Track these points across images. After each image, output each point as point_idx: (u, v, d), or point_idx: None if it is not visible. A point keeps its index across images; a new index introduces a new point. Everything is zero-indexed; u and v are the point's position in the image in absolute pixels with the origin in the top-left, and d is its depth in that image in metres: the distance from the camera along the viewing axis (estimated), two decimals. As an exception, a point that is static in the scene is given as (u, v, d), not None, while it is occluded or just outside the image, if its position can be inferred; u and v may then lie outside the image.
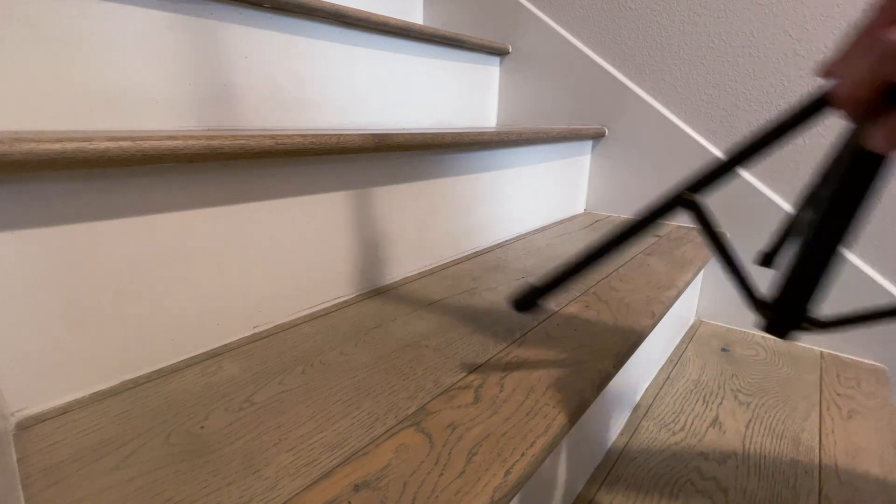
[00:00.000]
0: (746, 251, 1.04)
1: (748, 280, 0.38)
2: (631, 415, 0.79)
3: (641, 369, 0.82)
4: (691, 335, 1.06)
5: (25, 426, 0.37)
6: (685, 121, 1.05)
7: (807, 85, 0.91)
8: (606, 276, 0.73)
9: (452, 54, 1.12)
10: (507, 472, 0.33)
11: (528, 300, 0.42)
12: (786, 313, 0.37)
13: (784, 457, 0.69)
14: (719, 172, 0.36)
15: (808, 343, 1.01)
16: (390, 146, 0.59)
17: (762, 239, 1.01)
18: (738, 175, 0.86)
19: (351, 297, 0.64)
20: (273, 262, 0.53)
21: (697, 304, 1.13)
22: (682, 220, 1.12)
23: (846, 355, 0.97)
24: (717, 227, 0.37)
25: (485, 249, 0.86)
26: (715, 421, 0.77)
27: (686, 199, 0.37)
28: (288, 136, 0.48)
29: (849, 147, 0.33)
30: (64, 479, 0.32)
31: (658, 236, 1.00)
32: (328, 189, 0.56)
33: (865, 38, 0.23)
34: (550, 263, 0.79)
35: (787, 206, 0.97)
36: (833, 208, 0.36)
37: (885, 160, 0.31)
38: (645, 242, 0.95)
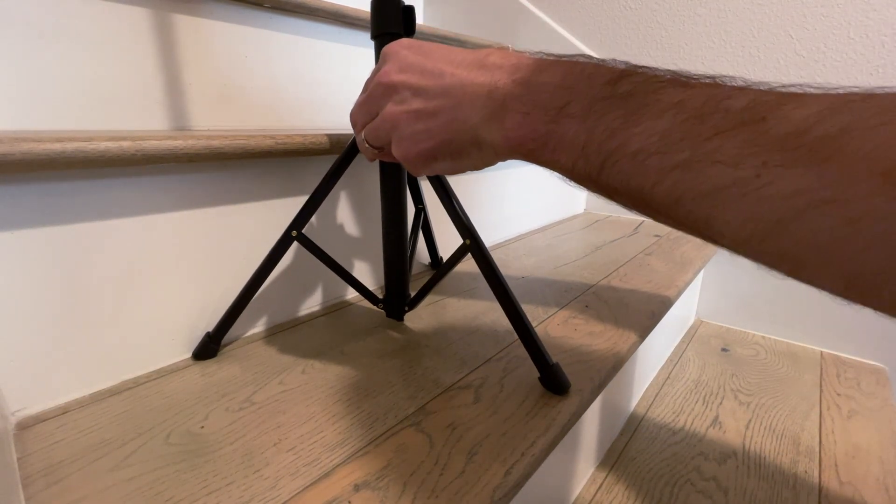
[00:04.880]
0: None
1: (367, 289, 0.53)
2: (631, 415, 0.79)
3: (641, 369, 0.82)
4: (691, 335, 1.06)
5: (25, 426, 0.37)
6: (685, 121, 1.05)
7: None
8: (606, 276, 0.73)
9: (452, 54, 1.12)
10: (507, 472, 0.33)
11: (207, 347, 0.48)
12: (394, 303, 0.54)
13: (784, 457, 0.69)
14: (310, 209, 0.47)
15: (808, 343, 1.01)
16: (390, 146, 0.58)
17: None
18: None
19: (353, 296, 0.64)
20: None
21: (697, 304, 1.14)
22: (682, 220, 1.12)
23: (846, 355, 0.97)
24: (323, 251, 0.49)
25: (485, 249, 0.86)
26: (715, 421, 0.77)
27: (294, 235, 0.47)
28: (288, 136, 0.48)
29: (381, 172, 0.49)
30: (64, 479, 0.32)
31: (658, 236, 1.00)
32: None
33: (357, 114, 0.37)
34: (550, 263, 0.79)
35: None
36: (386, 218, 0.50)
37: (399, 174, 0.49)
38: (645, 242, 0.95)
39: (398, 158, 0.33)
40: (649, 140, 0.20)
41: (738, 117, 0.18)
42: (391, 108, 0.32)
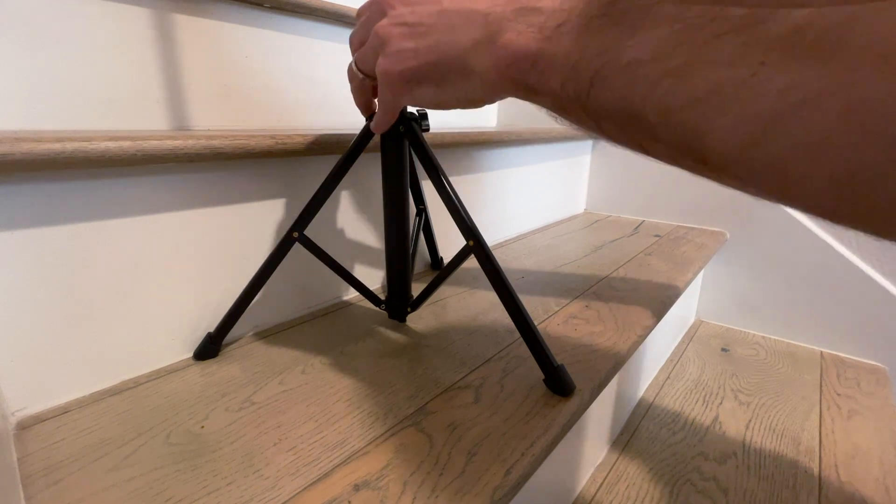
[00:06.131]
0: (749, 253, 1.04)
1: (369, 290, 0.53)
2: (631, 415, 0.79)
3: (641, 369, 0.82)
4: (691, 335, 1.06)
5: (26, 426, 0.37)
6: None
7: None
8: (607, 276, 0.73)
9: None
10: (508, 472, 0.33)
11: (208, 348, 0.48)
12: (396, 304, 0.54)
13: (784, 457, 0.69)
14: (312, 211, 0.46)
15: (808, 343, 1.01)
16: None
17: (763, 238, 1.01)
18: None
19: (353, 296, 0.64)
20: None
21: (697, 304, 1.14)
22: (681, 221, 1.12)
23: (846, 355, 0.97)
24: (325, 252, 0.48)
25: (485, 249, 0.86)
26: (715, 421, 0.77)
27: (296, 236, 0.46)
28: (288, 136, 0.48)
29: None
30: (64, 479, 0.32)
31: (658, 236, 1.00)
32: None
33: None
34: (550, 263, 0.79)
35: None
36: (388, 219, 0.50)
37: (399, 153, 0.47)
38: (645, 242, 0.95)
39: (379, 75, 0.33)
40: (643, 49, 0.20)
41: (737, 21, 0.18)
42: (383, 23, 0.32)
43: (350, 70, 0.38)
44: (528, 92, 0.26)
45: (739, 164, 0.18)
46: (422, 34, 0.30)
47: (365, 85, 0.39)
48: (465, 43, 0.28)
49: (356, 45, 0.37)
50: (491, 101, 0.30)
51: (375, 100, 0.41)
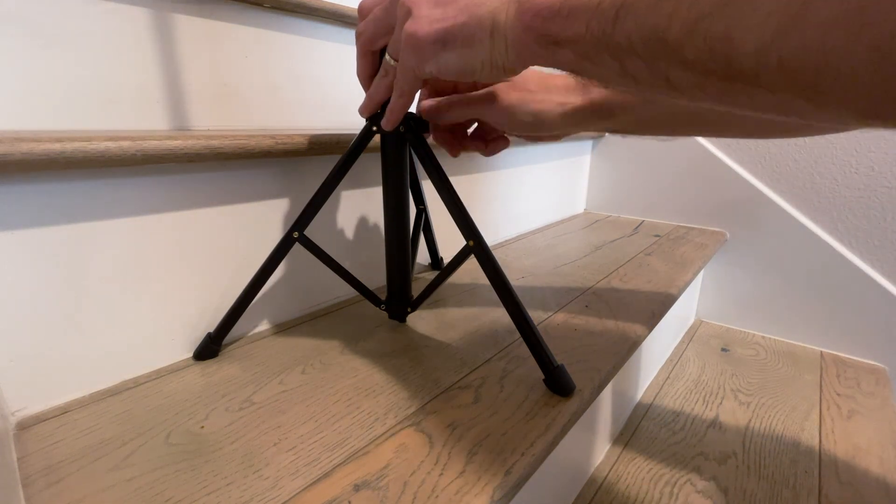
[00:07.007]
0: (752, 255, 1.04)
1: (369, 290, 0.53)
2: (631, 415, 0.79)
3: (641, 369, 0.82)
4: (691, 335, 1.06)
5: (25, 426, 0.37)
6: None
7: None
8: (607, 276, 0.73)
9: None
10: (508, 472, 0.33)
11: (208, 348, 0.47)
12: (396, 305, 0.54)
13: (784, 457, 0.69)
14: (312, 211, 0.46)
15: (808, 343, 1.01)
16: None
17: (763, 238, 1.01)
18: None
19: (353, 296, 0.64)
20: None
21: (697, 304, 1.14)
22: (681, 221, 1.12)
23: (846, 355, 0.97)
24: (325, 252, 0.49)
25: (485, 249, 0.86)
26: (715, 421, 0.77)
27: (296, 236, 0.47)
28: (288, 136, 0.48)
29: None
30: (64, 479, 0.32)
31: (658, 236, 1.00)
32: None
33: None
34: (550, 263, 0.79)
35: (788, 207, 0.97)
36: (388, 219, 0.50)
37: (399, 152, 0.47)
38: (645, 242, 0.95)
39: (405, 39, 0.33)
40: None
41: None
42: None
43: (384, 64, 0.38)
44: (551, 45, 0.27)
45: (772, 63, 0.18)
46: (450, 1, 0.31)
47: (388, 80, 0.38)
48: (493, 3, 0.29)
49: (370, 31, 0.37)
50: (515, 70, 0.31)
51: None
